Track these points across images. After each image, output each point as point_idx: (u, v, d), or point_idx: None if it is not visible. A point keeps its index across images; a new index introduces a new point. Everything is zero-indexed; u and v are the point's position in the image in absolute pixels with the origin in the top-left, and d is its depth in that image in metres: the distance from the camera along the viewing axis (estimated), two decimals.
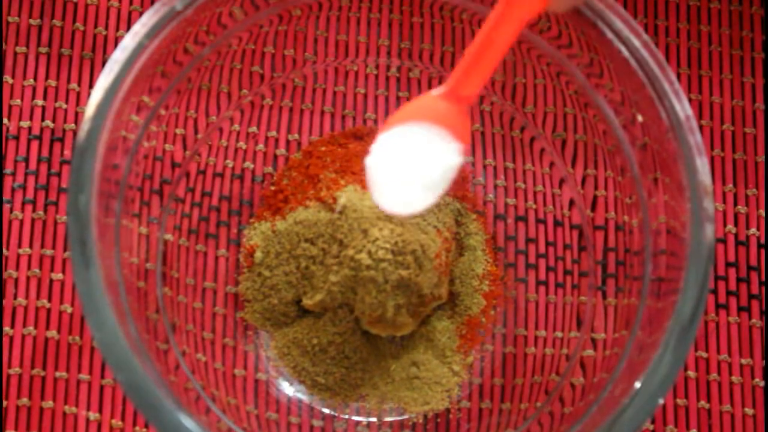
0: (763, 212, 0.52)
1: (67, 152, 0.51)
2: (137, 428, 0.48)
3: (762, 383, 0.49)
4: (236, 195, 0.50)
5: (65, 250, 0.49)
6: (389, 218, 0.46)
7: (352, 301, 0.46)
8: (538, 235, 0.50)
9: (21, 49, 0.51)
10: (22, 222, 0.50)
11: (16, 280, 0.49)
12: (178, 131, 0.47)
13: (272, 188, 0.50)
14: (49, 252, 0.49)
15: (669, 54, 0.53)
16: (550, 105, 0.48)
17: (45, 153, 0.50)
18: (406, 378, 0.48)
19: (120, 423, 0.48)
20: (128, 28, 0.52)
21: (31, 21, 0.52)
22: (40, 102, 0.51)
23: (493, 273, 0.49)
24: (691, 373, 0.50)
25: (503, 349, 0.49)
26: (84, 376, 0.48)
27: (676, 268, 0.38)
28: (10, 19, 0.52)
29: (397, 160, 0.38)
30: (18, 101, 0.51)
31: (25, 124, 0.51)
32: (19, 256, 0.49)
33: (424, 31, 0.52)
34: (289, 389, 0.48)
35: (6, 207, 0.50)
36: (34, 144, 0.50)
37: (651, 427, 0.49)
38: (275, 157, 0.51)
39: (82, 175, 0.37)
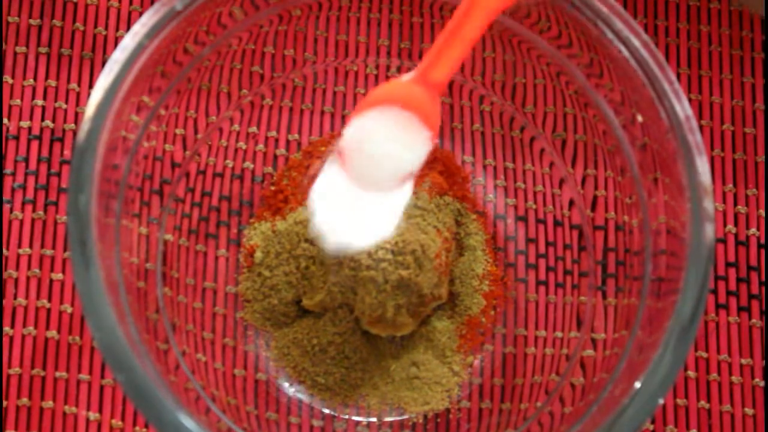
0: (763, 212, 0.52)
1: (67, 152, 0.51)
2: (137, 428, 0.48)
3: (762, 383, 0.49)
4: (236, 195, 0.50)
5: (65, 250, 0.49)
6: None
7: (352, 301, 0.46)
8: (538, 235, 0.50)
9: (21, 49, 0.51)
10: (22, 222, 0.50)
11: (16, 280, 0.49)
12: (178, 131, 0.47)
13: (272, 188, 0.50)
14: (49, 252, 0.49)
15: (669, 54, 0.53)
16: (550, 105, 0.48)
17: (45, 153, 0.50)
18: (406, 378, 0.48)
19: (120, 423, 0.48)
20: (128, 28, 0.52)
21: (31, 21, 0.52)
22: (40, 102, 0.51)
23: (493, 273, 0.49)
24: (691, 373, 0.50)
25: (503, 349, 0.49)
26: (84, 376, 0.48)
27: (676, 268, 0.38)
28: (10, 19, 0.52)
29: (366, 144, 0.38)
30: (18, 101, 0.51)
31: (25, 124, 0.51)
32: (19, 256, 0.49)
33: (424, 31, 0.52)
34: (289, 389, 0.48)
35: (6, 207, 0.50)
36: (34, 144, 0.50)
37: (651, 427, 0.49)
38: (275, 157, 0.51)
39: (82, 175, 0.37)
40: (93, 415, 0.48)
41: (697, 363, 0.50)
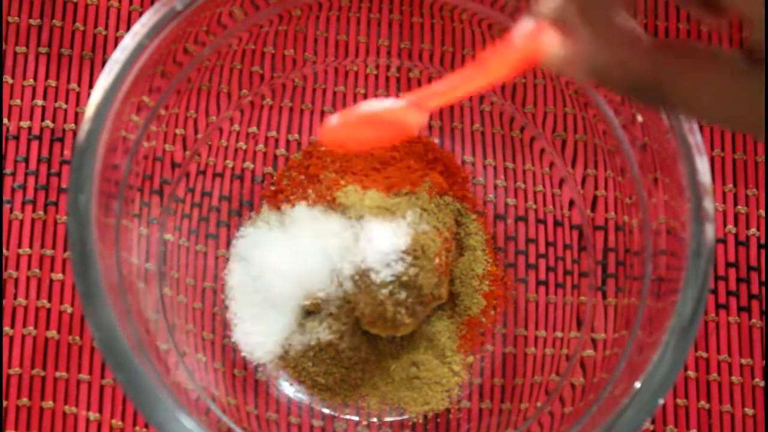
0: (763, 212, 0.52)
1: (67, 152, 0.51)
2: (137, 428, 0.48)
3: (762, 383, 0.49)
4: (236, 195, 0.50)
5: (65, 250, 0.49)
6: (389, 218, 0.46)
7: (352, 301, 0.46)
8: (538, 235, 0.50)
9: (21, 49, 0.51)
10: (22, 222, 0.50)
11: (16, 280, 0.49)
12: (178, 131, 0.47)
13: (272, 188, 0.50)
14: (49, 252, 0.49)
15: None
16: (550, 105, 0.48)
17: (45, 153, 0.50)
18: (406, 378, 0.48)
19: (120, 423, 0.48)
20: (128, 28, 0.52)
21: (31, 21, 0.52)
22: (40, 102, 0.51)
23: (493, 273, 0.49)
24: (691, 373, 0.50)
25: (503, 349, 0.49)
26: (84, 376, 0.48)
27: (676, 268, 0.38)
28: (10, 19, 0.52)
29: (351, 111, 0.38)
30: (18, 101, 0.51)
31: (25, 124, 0.51)
32: (19, 256, 0.49)
33: (423, 31, 0.52)
34: (289, 389, 0.48)
35: (6, 207, 0.50)
36: (34, 144, 0.50)
37: (651, 427, 0.49)
38: (275, 157, 0.51)
39: (82, 175, 0.37)
40: (93, 415, 0.48)
41: (697, 363, 0.50)
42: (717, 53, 0.30)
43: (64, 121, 0.51)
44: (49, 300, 0.49)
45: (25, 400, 0.47)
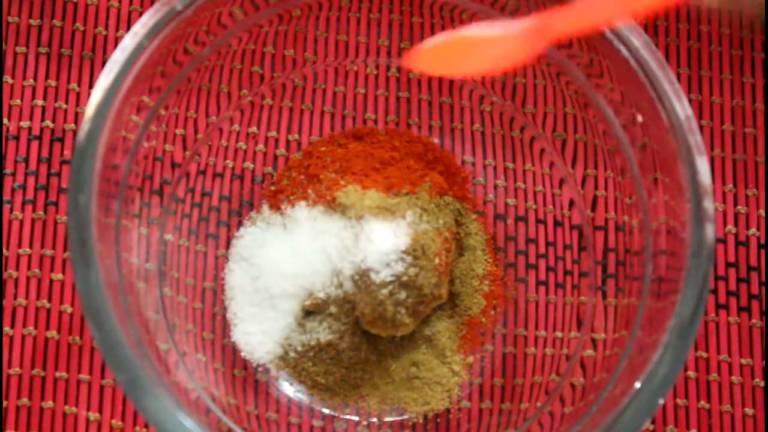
0: (763, 212, 0.52)
1: (67, 152, 0.51)
2: (137, 428, 0.48)
3: (762, 383, 0.49)
4: (236, 195, 0.50)
5: (65, 250, 0.49)
6: (389, 218, 0.46)
7: (352, 301, 0.46)
8: (538, 235, 0.50)
9: (21, 49, 0.51)
10: (22, 222, 0.50)
11: (16, 280, 0.49)
12: (178, 131, 0.47)
13: (272, 188, 0.50)
14: (49, 252, 0.49)
15: (669, 54, 0.53)
16: (550, 105, 0.48)
17: (45, 153, 0.50)
18: (406, 378, 0.48)
19: (120, 423, 0.48)
20: (128, 28, 0.52)
21: (31, 21, 0.52)
22: (40, 102, 0.51)
23: (493, 273, 0.49)
24: (691, 373, 0.50)
25: (503, 349, 0.49)
26: (84, 376, 0.48)
27: (676, 269, 0.38)
28: (10, 19, 0.52)
29: (454, 33, 0.36)
30: (18, 101, 0.51)
31: (25, 124, 0.51)
32: (19, 256, 0.49)
33: (424, 32, 0.52)
34: (289, 389, 0.48)
35: (6, 207, 0.50)
36: (34, 144, 0.50)
37: (651, 427, 0.49)
38: (275, 157, 0.51)
39: (82, 175, 0.37)
40: (93, 415, 0.48)
41: (697, 363, 0.50)
42: None
43: (64, 121, 0.51)
44: (49, 300, 0.49)
45: (25, 400, 0.47)
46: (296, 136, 0.51)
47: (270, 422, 0.47)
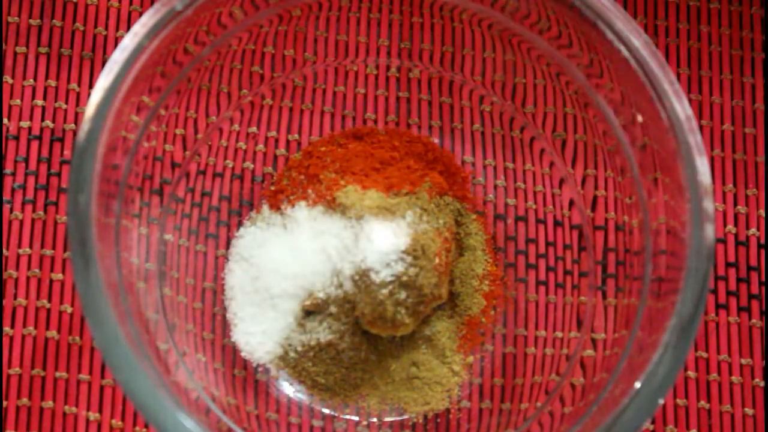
0: (763, 212, 0.52)
1: (67, 152, 0.51)
2: (137, 428, 0.48)
3: (762, 383, 0.49)
4: (236, 195, 0.50)
5: (65, 250, 0.49)
6: (389, 218, 0.46)
7: (352, 301, 0.46)
8: (538, 235, 0.50)
9: (21, 49, 0.51)
10: (22, 222, 0.50)
11: (16, 280, 0.49)
12: (178, 131, 0.47)
13: (272, 188, 0.50)
14: (49, 252, 0.49)
15: (669, 54, 0.53)
16: (550, 105, 0.48)
17: (45, 153, 0.50)
18: (406, 378, 0.48)
19: (120, 423, 0.48)
20: (128, 28, 0.52)
21: (31, 21, 0.52)
22: (39, 102, 0.51)
23: (493, 273, 0.49)
24: (691, 373, 0.50)
25: (503, 349, 0.49)
26: (84, 376, 0.48)
27: (676, 268, 0.38)
28: (9, 19, 0.52)
29: None
30: (18, 101, 0.51)
31: (25, 124, 0.51)
32: (19, 256, 0.49)
33: (424, 31, 0.52)
34: (289, 389, 0.48)
35: (6, 207, 0.50)
36: (34, 144, 0.50)
37: (651, 427, 0.49)
38: (275, 157, 0.51)
39: (82, 175, 0.37)
40: (93, 416, 0.48)
41: (697, 363, 0.50)
42: None
43: (64, 121, 0.51)
44: (49, 300, 0.49)
45: (25, 401, 0.47)
46: (296, 136, 0.51)
47: (270, 422, 0.47)
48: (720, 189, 0.52)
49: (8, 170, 0.50)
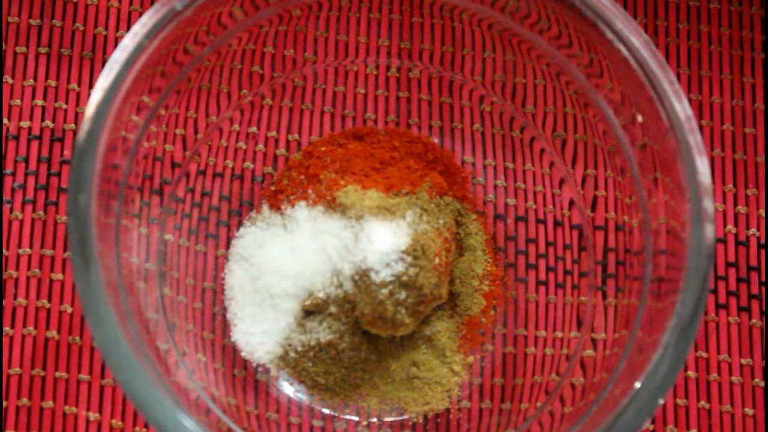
0: (763, 212, 0.52)
1: (67, 152, 0.51)
2: (137, 428, 0.48)
3: (762, 383, 0.49)
4: (236, 195, 0.50)
5: (65, 250, 0.49)
6: (389, 218, 0.46)
7: (352, 301, 0.46)
8: (538, 236, 0.50)
9: (21, 49, 0.51)
10: (22, 222, 0.50)
11: (16, 280, 0.49)
12: (178, 131, 0.47)
13: (272, 188, 0.50)
14: (49, 252, 0.49)
15: (669, 54, 0.53)
16: (550, 105, 0.48)
17: (45, 153, 0.50)
18: (406, 378, 0.48)
19: (120, 423, 0.48)
20: (128, 28, 0.52)
21: (31, 21, 0.52)
22: (39, 102, 0.51)
23: (493, 273, 0.49)
24: (691, 373, 0.50)
25: (503, 349, 0.49)
26: (84, 376, 0.48)
27: (676, 268, 0.38)
28: (9, 19, 0.52)
29: None
30: (18, 101, 0.51)
31: (25, 124, 0.51)
32: (19, 256, 0.49)
33: (424, 32, 0.52)
34: (289, 389, 0.48)
35: (6, 207, 0.50)
36: (34, 144, 0.50)
37: (651, 427, 0.49)
38: (275, 157, 0.51)
39: (82, 175, 0.37)
40: (93, 416, 0.48)
41: (697, 363, 0.50)
42: None
43: (64, 121, 0.51)
44: (49, 300, 0.49)
45: (25, 401, 0.47)
46: (296, 136, 0.51)
47: (270, 422, 0.47)
48: (720, 189, 0.52)
49: (8, 170, 0.50)
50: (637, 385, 0.37)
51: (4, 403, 0.47)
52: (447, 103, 0.51)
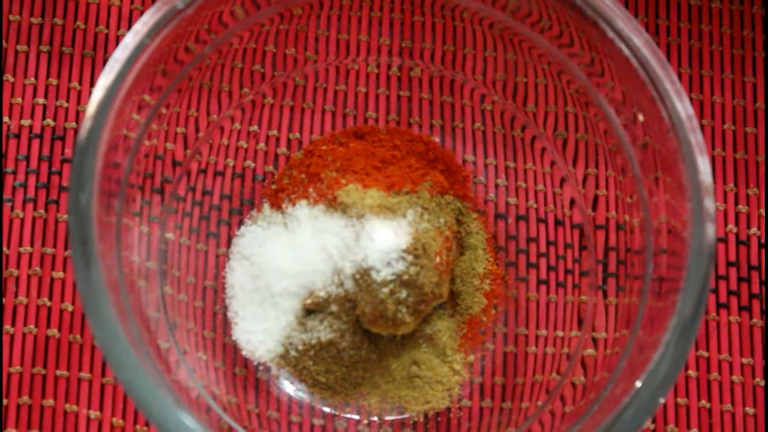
0: (763, 212, 0.52)
1: (68, 151, 0.51)
2: (138, 427, 0.48)
3: (762, 383, 0.49)
4: (237, 194, 0.50)
5: (66, 248, 0.49)
6: (390, 217, 0.46)
7: (353, 300, 0.46)
8: (539, 235, 0.50)
9: (22, 47, 0.51)
10: (23, 220, 0.50)
11: (17, 279, 0.49)
12: (179, 130, 0.47)
13: (273, 187, 0.50)
14: (49, 250, 0.49)
15: (670, 53, 0.53)
16: (551, 104, 0.48)
17: (46, 151, 0.50)
18: (406, 377, 0.48)
19: (121, 421, 0.48)
20: (129, 26, 0.52)
21: (32, 19, 0.52)
22: (41, 100, 0.51)
23: (494, 272, 0.49)
24: (692, 373, 0.50)
25: (504, 348, 0.49)
26: (85, 374, 0.48)
27: (677, 268, 0.38)
28: (11, 17, 0.52)
29: None
30: (19, 100, 0.51)
31: (26, 122, 0.51)
32: (19, 254, 0.49)
33: (425, 30, 0.52)
34: (289, 388, 0.48)
35: (7, 205, 0.50)
36: (35, 142, 0.50)
37: (652, 427, 0.49)
38: (276, 155, 0.51)
39: (83, 173, 0.37)
40: (94, 414, 0.48)
41: (698, 362, 0.50)
42: None
43: (65, 120, 0.51)
44: (50, 298, 0.49)
45: (25, 399, 0.48)
46: (297, 134, 0.51)
47: (271, 421, 0.47)
48: (721, 188, 0.52)
49: (9, 168, 0.50)
50: (638, 384, 0.37)
51: (5, 401, 0.47)
52: (448, 102, 0.51)
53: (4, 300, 0.49)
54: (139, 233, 0.43)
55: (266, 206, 0.49)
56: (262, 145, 0.51)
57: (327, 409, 0.48)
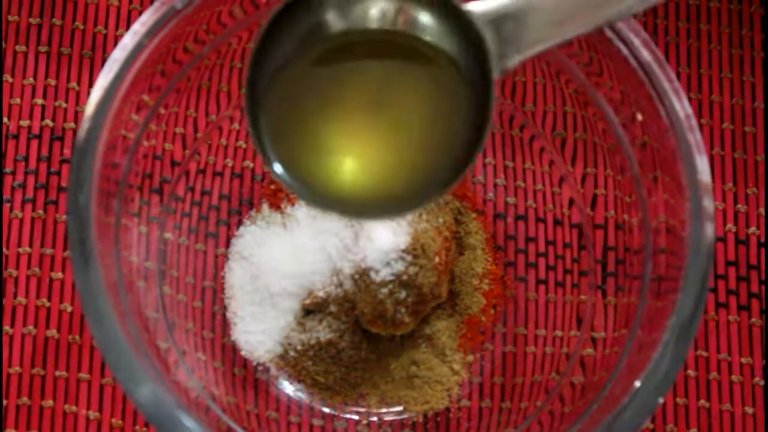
0: (763, 211, 0.52)
1: (66, 151, 0.51)
2: (137, 427, 0.48)
3: (762, 382, 0.49)
4: (236, 194, 0.50)
5: (65, 249, 0.49)
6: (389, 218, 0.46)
7: (353, 300, 0.46)
8: (538, 234, 0.50)
9: (21, 47, 0.51)
10: (21, 221, 0.50)
11: (16, 279, 0.49)
12: (178, 130, 0.47)
13: (272, 187, 0.50)
14: (48, 251, 0.49)
15: (669, 53, 0.53)
16: (549, 104, 0.48)
17: (45, 152, 0.50)
18: (406, 377, 0.48)
19: (120, 422, 0.48)
20: (128, 27, 0.52)
21: (31, 20, 0.52)
22: (39, 101, 0.51)
23: (492, 272, 0.49)
24: (691, 372, 0.50)
25: (503, 348, 0.49)
26: (84, 375, 0.48)
27: (675, 267, 0.38)
28: (9, 17, 0.52)
29: None
30: (18, 100, 0.51)
31: (24, 123, 0.51)
32: (18, 255, 0.49)
33: None
34: (289, 388, 0.48)
35: (6, 206, 0.50)
36: (34, 143, 0.50)
37: (651, 426, 0.49)
38: None
39: (82, 174, 0.37)
40: (93, 414, 0.48)
41: (697, 362, 0.50)
42: None
43: (64, 120, 0.51)
44: (49, 299, 0.49)
45: (25, 399, 0.48)
46: None
47: (270, 421, 0.47)
48: (720, 187, 0.52)
49: (8, 169, 0.50)
50: (637, 383, 0.37)
51: (4, 402, 0.47)
52: None
53: (3, 301, 0.48)
54: (137, 233, 0.43)
55: (265, 206, 0.49)
56: None
57: (326, 410, 0.48)
